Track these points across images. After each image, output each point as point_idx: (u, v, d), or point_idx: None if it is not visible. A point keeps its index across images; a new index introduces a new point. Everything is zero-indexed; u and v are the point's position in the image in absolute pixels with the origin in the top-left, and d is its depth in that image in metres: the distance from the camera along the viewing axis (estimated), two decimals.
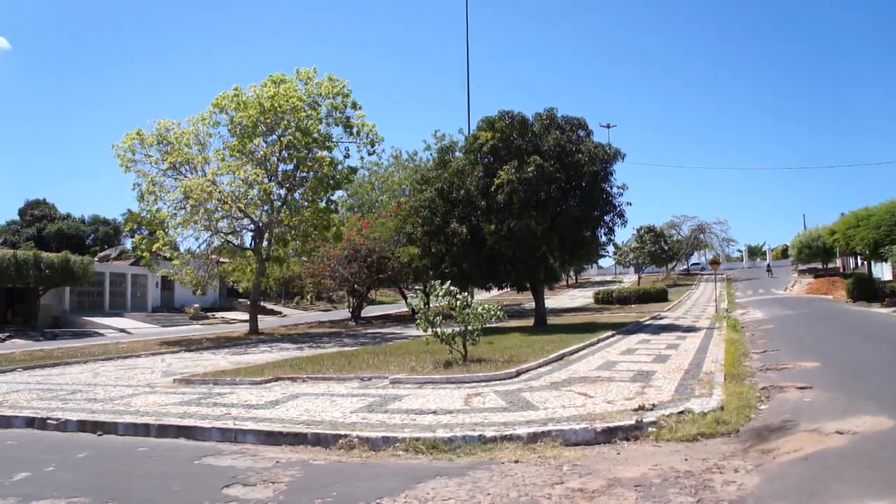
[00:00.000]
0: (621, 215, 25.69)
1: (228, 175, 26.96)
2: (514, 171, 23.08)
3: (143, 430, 8.95)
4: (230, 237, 28.83)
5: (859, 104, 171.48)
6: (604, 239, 26.79)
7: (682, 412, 7.95)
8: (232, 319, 47.21)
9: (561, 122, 25.77)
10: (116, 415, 9.69)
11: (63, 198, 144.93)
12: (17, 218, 74.86)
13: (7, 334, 33.46)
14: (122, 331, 38.47)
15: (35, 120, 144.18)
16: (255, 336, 28.36)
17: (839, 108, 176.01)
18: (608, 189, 25.45)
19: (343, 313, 48.06)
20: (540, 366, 12.78)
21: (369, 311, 47.07)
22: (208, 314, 50.00)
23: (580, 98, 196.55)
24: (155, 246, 26.32)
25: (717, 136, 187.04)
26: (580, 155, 24.31)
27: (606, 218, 25.71)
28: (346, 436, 7.59)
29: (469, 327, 13.13)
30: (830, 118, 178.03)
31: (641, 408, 8.13)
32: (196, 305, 49.47)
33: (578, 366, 12.92)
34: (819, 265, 65.92)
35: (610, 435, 7.34)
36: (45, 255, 38.28)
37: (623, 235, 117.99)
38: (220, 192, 25.73)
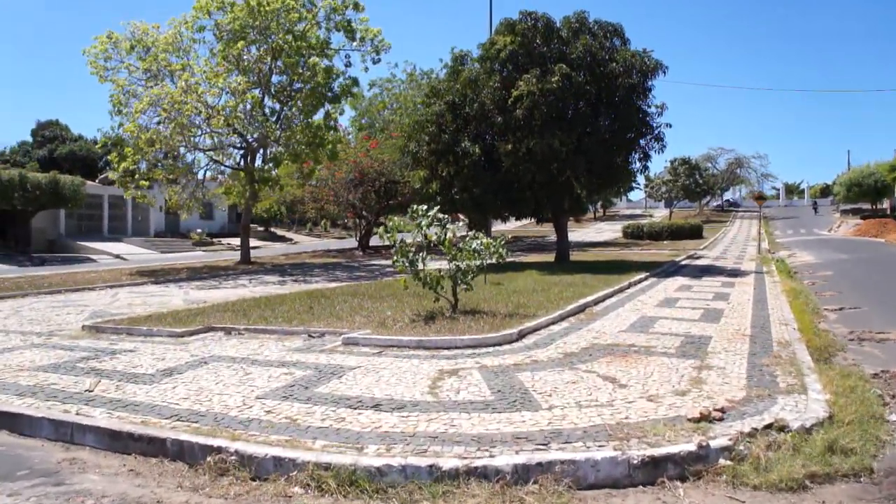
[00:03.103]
0: (659, 139, 22.09)
1: (212, 86, 23.57)
2: (535, 81, 19.57)
3: None
4: (213, 154, 25.61)
5: None
6: (638, 165, 23.12)
7: (768, 426, 4.86)
8: (237, 246, 44.42)
9: (593, 27, 22.01)
10: None
11: (77, 119, 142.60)
12: (30, 139, 72.27)
13: None
14: (118, 257, 36.02)
15: (51, 42, 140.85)
16: (243, 266, 25.57)
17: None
18: (645, 107, 21.84)
19: (355, 242, 45.13)
20: (552, 322, 9.67)
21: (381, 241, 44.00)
22: (214, 240, 47.24)
23: (615, 12, 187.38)
24: (122, 165, 23.25)
25: (760, 64, 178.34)
26: (614, 65, 20.68)
27: (642, 141, 22.12)
28: (221, 449, 4.65)
29: (461, 266, 10.02)
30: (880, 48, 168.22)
31: (704, 417, 5.00)
32: (200, 231, 46.80)
33: (604, 323, 9.82)
34: (866, 205, 61.33)
35: (654, 471, 4.27)
36: (31, 175, 35.53)
37: (656, 166, 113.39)
38: (199, 101, 22.45)
